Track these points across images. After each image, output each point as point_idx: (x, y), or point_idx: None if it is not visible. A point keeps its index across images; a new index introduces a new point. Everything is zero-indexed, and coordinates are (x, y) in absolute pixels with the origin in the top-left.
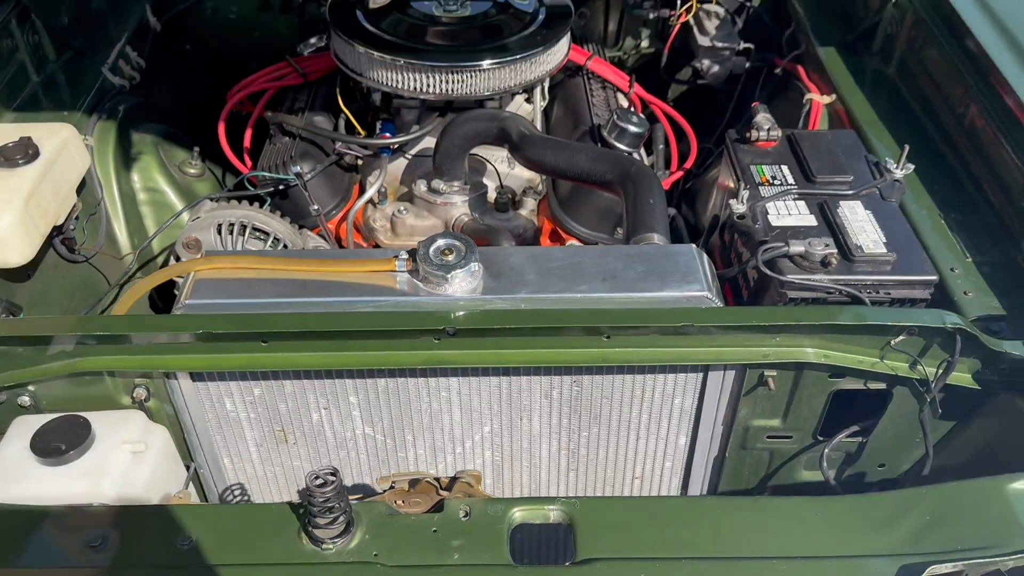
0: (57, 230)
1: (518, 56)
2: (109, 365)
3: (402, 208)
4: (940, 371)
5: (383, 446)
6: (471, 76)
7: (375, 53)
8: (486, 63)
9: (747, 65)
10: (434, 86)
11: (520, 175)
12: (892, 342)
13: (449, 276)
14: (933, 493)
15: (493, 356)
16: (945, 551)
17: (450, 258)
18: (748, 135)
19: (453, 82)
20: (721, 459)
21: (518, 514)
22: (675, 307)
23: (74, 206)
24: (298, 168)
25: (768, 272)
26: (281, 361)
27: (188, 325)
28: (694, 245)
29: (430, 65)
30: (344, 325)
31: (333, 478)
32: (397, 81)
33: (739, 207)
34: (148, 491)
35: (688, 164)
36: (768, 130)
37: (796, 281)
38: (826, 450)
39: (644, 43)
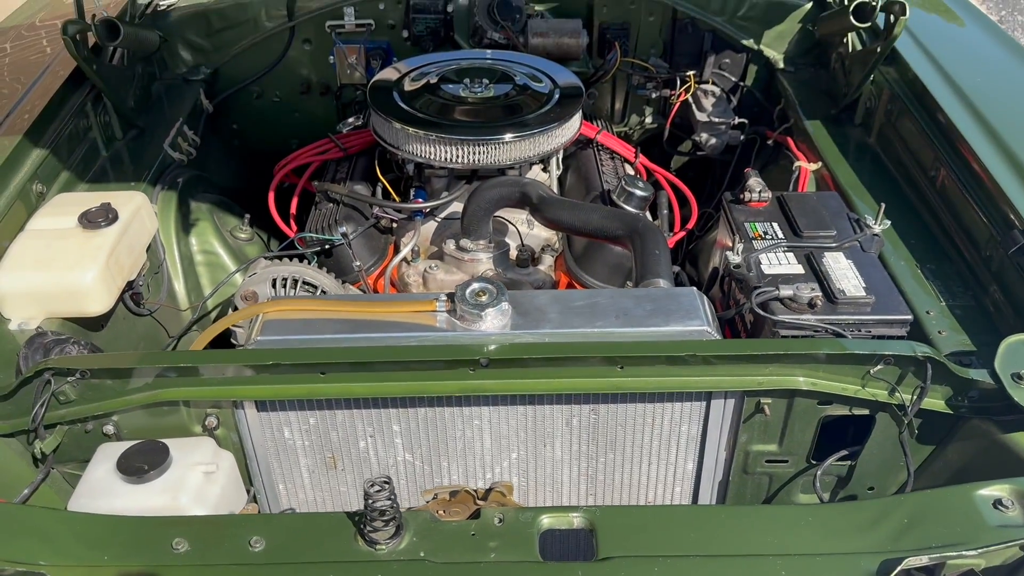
0: (128, 286)
1: (536, 130)
2: (186, 395)
3: (433, 265)
4: (915, 396)
5: (421, 472)
6: (495, 148)
7: (410, 129)
8: (508, 136)
9: (742, 137)
10: (462, 157)
11: (539, 235)
12: (871, 371)
13: (483, 314)
14: (910, 500)
15: (521, 385)
16: (920, 548)
17: (484, 299)
18: (742, 197)
19: (479, 153)
20: (725, 483)
21: (546, 520)
22: (680, 339)
23: (144, 264)
24: (344, 229)
25: (761, 313)
26: (336, 391)
27: (262, 357)
28: (695, 288)
29: (459, 139)
30: (392, 356)
31: (388, 484)
32: (430, 153)
33: (735, 258)
34: (218, 508)
35: (690, 225)
36: (759, 192)
37: (787, 320)
38: (819, 472)
39: (648, 119)
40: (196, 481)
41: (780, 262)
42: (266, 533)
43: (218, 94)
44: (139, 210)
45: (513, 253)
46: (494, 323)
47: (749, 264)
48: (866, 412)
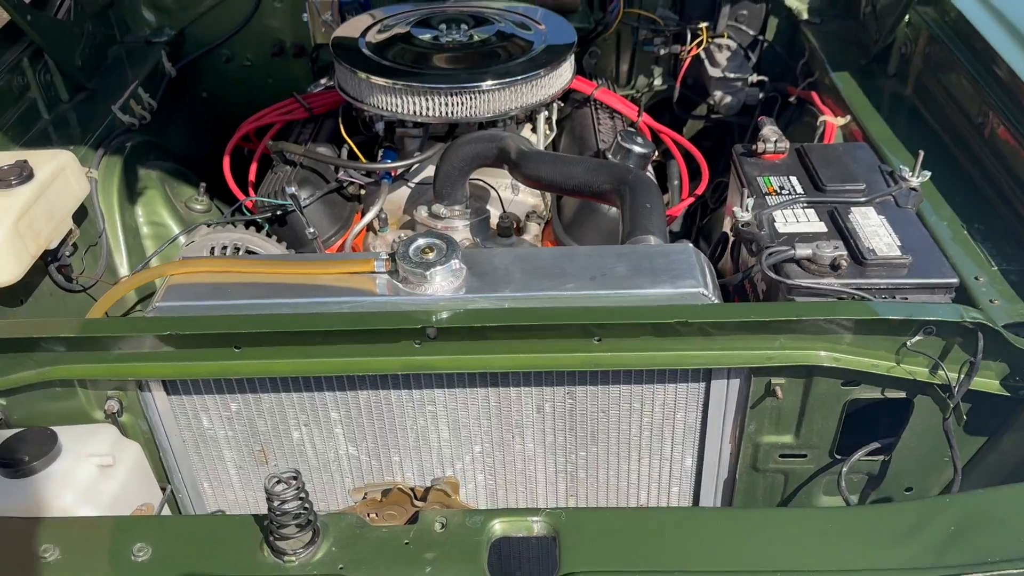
0: (52, 256)
1: (519, 78)
2: (79, 373)
3: (403, 235)
4: (963, 375)
5: (368, 467)
6: (471, 98)
7: (376, 79)
8: (487, 84)
9: (760, 95)
10: (434, 109)
11: (524, 201)
12: (909, 343)
13: (428, 274)
14: (957, 502)
15: (477, 361)
16: (972, 564)
17: (430, 256)
18: (754, 148)
19: (453, 104)
20: (732, 482)
21: (499, 526)
22: (669, 304)
23: (69, 232)
24: (292, 189)
25: (773, 276)
26: (255, 368)
27: (156, 327)
28: (688, 242)
29: (430, 88)
30: (318, 325)
31: (295, 479)
32: (397, 105)
33: (744, 215)
34: (116, 507)
35: (700, 190)
36: (775, 142)
37: (805, 285)
38: (844, 470)
39: (657, 81)
40: (87, 476)
41: (798, 219)
42: (155, 540)
43: (183, 57)
44: (63, 170)
45: (494, 221)
46: (443, 285)
47: (760, 221)
48: (902, 395)
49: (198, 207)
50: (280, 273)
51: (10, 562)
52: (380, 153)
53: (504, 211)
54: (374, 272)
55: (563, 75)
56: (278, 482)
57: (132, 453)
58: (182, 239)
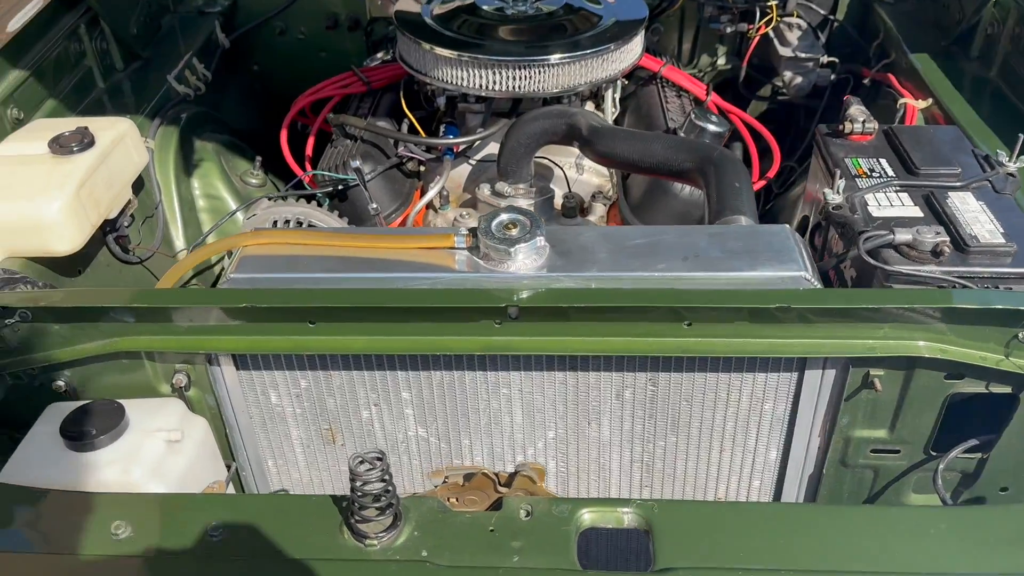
0: (111, 226)
1: (588, 52)
2: (148, 345)
3: (464, 213)
4: None
5: (437, 450)
6: (539, 72)
7: (441, 50)
8: (554, 59)
9: (832, 77)
10: (500, 83)
11: (589, 181)
12: (1020, 335)
13: (513, 251)
14: None
15: (559, 343)
16: None
17: (513, 232)
18: (841, 128)
19: (520, 78)
20: (818, 477)
21: (587, 516)
22: (769, 288)
23: (128, 202)
24: (357, 163)
25: (872, 261)
26: (329, 344)
27: (232, 298)
28: (787, 225)
29: (497, 60)
30: (396, 302)
31: (380, 460)
32: (463, 79)
33: (835, 197)
34: (183, 484)
35: (771, 173)
36: (863, 122)
37: (904, 272)
38: (940, 467)
39: (720, 60)
40: (155, 451)
41: (892, 203)
42: (229, 519)
43: (237, 29)
44: (123, 138)
45: (558, 201)
46: (526, 263)
47: (853, 204)
48: (1007, 390)
49: (253, 181)
50: (356, 247)
51: (81, 538)
52: (442, 129)
53: (569, 190)
54: (454, 248)
55: (633, 50)
56: (361, 462)
57: (200, 428)
58: (239, 214)
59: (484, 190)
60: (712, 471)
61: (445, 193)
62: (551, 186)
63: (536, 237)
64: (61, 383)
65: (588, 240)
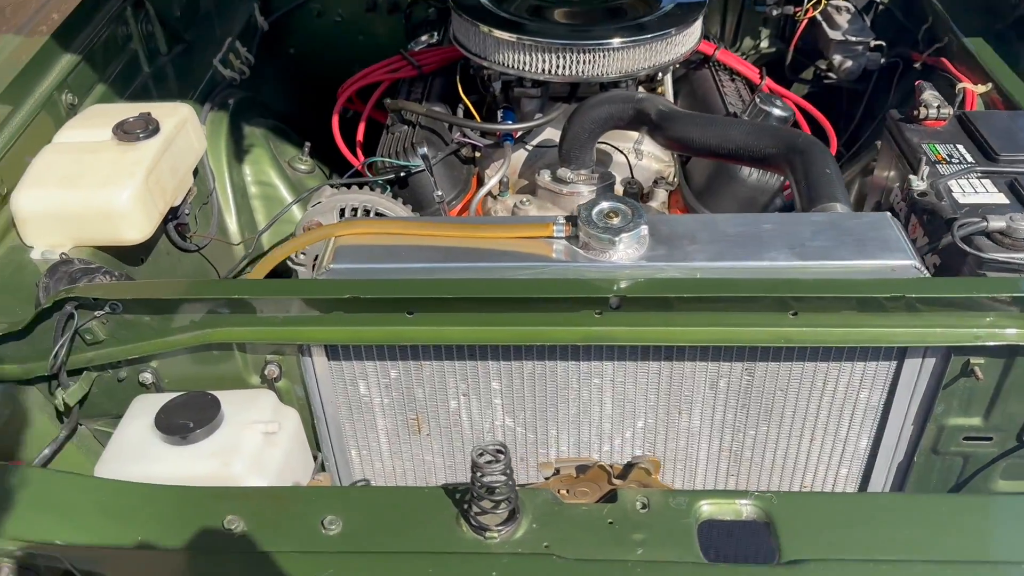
0: (172, 214)
1: (651, 36)
2: (243, 336)
3: (524, 200)
4: None
5: (524, 440)
6: (601, 56)
7: (500, 33)
8: (616, 42)
9: (882, 61)
10: (561, 67)
11: (649, 166)
12: None
13: (616, 240)
14: None
15: (660, 333)
16: None
17: (615, 221)
18: (915, 114)
19: (582, 62)
20: (907, 465)
21: (706, 508)
22: (879, 277)
23: (189, 190)
24: (424, 150)
25: (967, 249)
26: (426, 335)
27: (337, 289)
28: (887, 212)
29: (558, 44)
30: (500, 292)
31: (503, 454)
32: (523, 63)
33: (920, 184)
34: (281, 477)
35: None
36: (938, 108)
37: (1000, 259)
38: None
39: (764, 43)
40: (253, 443)
41: (975, 190)
42: (343, 511)
43: (274, 11)
44: (185, 124)
45: (619, 188)
46: (628, 253)
47: (938, 191)
48: None
49: (303, 167)
50: (452, 236)
51: (197, 533)
52: (499, 114)
53: (631, 176)
54: (552, 237)
55: (694, 34)
56: (482, 454)
57: (292, 420)
58: (296, 209)
59: (544, 176)
60: (801, 460)
61: (505, 179)
62: (611, 172)
63: (640, 226)
64: (148, 375)
65: (689, 228)
